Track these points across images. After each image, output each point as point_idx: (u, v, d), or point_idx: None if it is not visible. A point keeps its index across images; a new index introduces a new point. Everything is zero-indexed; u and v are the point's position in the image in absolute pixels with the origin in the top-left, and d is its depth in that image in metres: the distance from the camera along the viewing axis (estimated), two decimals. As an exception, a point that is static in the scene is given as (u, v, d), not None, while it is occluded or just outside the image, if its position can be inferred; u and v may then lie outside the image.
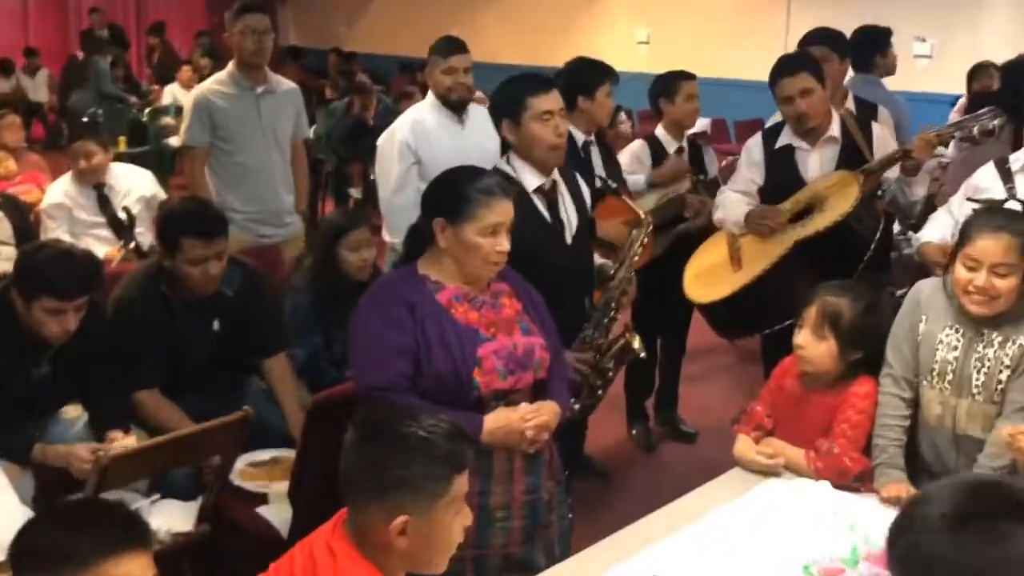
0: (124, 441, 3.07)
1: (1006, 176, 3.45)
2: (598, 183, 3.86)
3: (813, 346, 2.80)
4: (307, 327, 3.74)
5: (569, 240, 3.35)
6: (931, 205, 4.33)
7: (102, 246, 4.72)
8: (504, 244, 2.59)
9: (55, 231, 4.74)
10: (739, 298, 3.85)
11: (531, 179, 3.28)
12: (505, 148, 3.58)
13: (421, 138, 4.03)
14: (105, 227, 4.86)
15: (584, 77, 4.19)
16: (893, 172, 3.89)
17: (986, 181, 3.47)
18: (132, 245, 4.77)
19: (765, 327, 3.85)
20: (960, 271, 2.64)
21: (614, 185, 3.66)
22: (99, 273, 3.21)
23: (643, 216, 3.53)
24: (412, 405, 2.37)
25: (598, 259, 3.63)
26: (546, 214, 3.30)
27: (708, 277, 4.06)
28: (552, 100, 3.24)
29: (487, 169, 2.88)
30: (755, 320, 3.90)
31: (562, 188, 3.36)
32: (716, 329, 4.18)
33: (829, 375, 2.83)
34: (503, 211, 2.58)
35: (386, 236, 4.13)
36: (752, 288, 3.81)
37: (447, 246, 2.59)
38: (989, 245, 2.59)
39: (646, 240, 3.52)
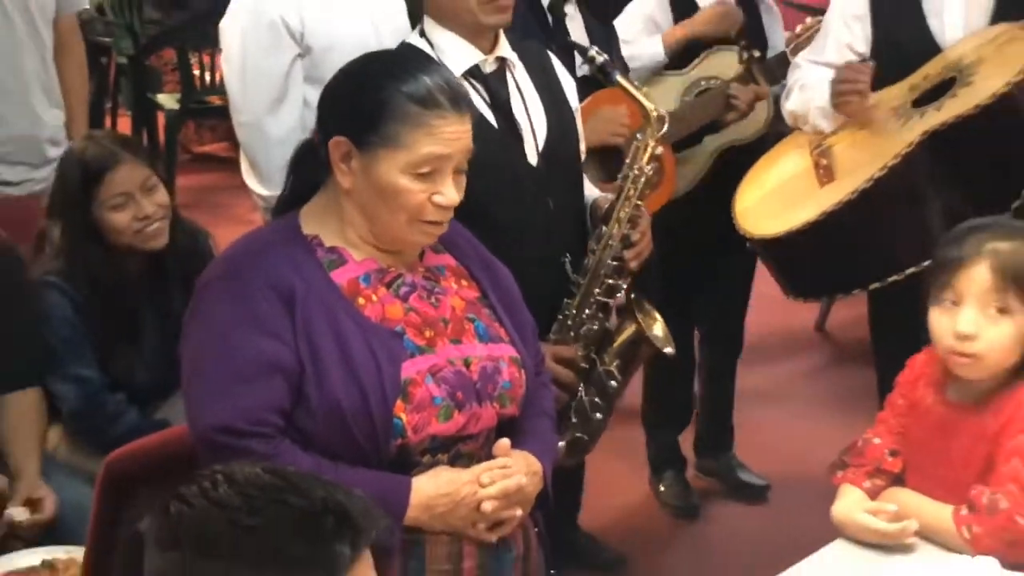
0: None
1: None
2: (582, 66, 3.83)
3: (990, 330, 2.77)
4: (72, 349, 3.70)
5: (533, 157, 3.36)
6: None
7: None
8: (448, 193, 2.55)
9: None
10: (830, 228, 3.86)
11: (459, 55, 3.28)
12: (415, 17, 3.57)
13: (307, 11, 3.89)
14: None
15: None
16: None
17: None
18: None
19: (875, 276, 3.87)
20: None
21: (600, 59, 3.59)
22: None
23: (651, 111, 3.49)
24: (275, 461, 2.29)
25: (593, 190, 3.62)
26: (488, 114, 3.29)
27: (777, 200, 4.11)
28: None
29: (433, 60, 2.85)
30: (858, 265, 3.93)
31: (517, 70, 3.37)
32: (791, 287, 4.17)
33: (995, 379, 2.83)
34: (451, 136, 2.53)
35: (254, 185, 4.03)
36: (852, 209, 3.82)
37: (351, 186, 2.55)
38: None
39: (659, 152, 3.48)
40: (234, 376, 2.50)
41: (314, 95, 3.77)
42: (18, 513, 3.41)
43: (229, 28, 3.95)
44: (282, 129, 3.88)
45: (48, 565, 3.36)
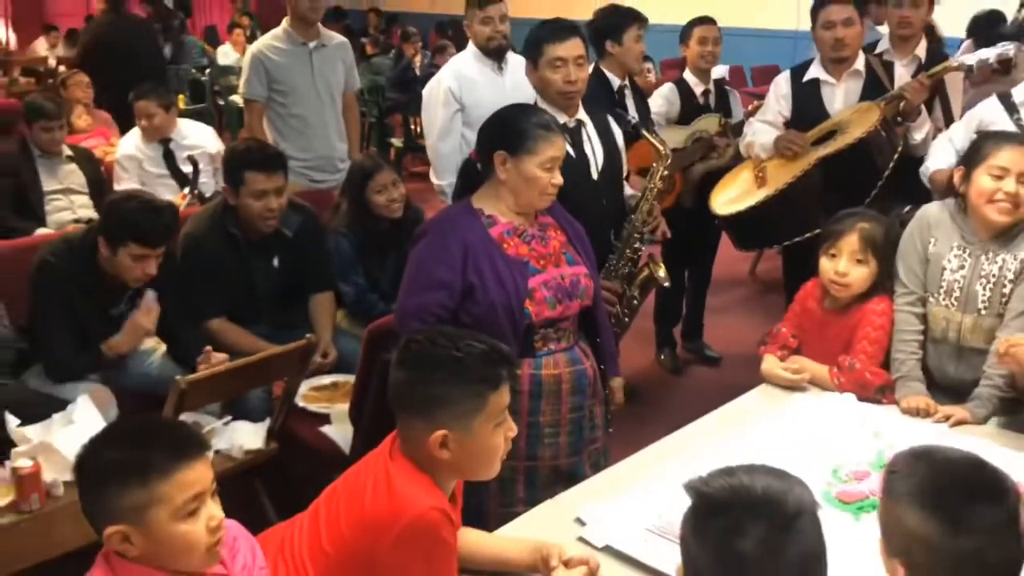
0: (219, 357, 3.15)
1: (1011, 109, 3.41)
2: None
3: (855, 271, 2.77)
4: (351, 268, 3.73)
5: (595, 175, 3.29)
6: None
7: (168, 194, 4.77)
8: (558, 178, 2.55)
9: (127, 181, 4.85)
10: (763, 210, 3.81)
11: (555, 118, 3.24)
12: None
13: (465, 86, 3.98)
14: (170, 178, 4.91)
15: (611, 22, 4.17)
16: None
17: (991, 115, 3.43)
18: (195, 192, 4.79)
19: (787, 237, 3.84)
20: (984, 182, 2.62)
21: (634, 121, 3.61)
22: (178, 223, 3.29)
23: (662, 150, 3.48)
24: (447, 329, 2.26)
25: (630, 191, 3.56)
26: (570, 150, 3.24)
27: (734, 195, 4.02)
28: (566, 48, 3.16)
29: (541, 108, 2.83)
30: (778, 231, 3.88)
31: (588, 127, 3.31)
32: (739, 243, 4.13)
33: (852, 298, 2.81)
34: (559, 146, 2.54)
35: (433, 179, 4.11)
36: (775, 200, 3.78)
37: (507, 178, 2.53)
38: (1016, 155, 2.60)
39: (666, 173, 3.44)
40: (419, 287, 2.51)
41: (467, 132, 3.87)
42: (317, 360, 3.44)
43: (425, 92, 4.14)
44: (447, 148, 3.99)
45: (335, 383, 3.45)
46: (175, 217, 3.27)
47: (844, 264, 2.77)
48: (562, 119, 3.23)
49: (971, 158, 2.70)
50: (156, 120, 4.86)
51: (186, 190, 4.81)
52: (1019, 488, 1.41)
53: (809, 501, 1.27)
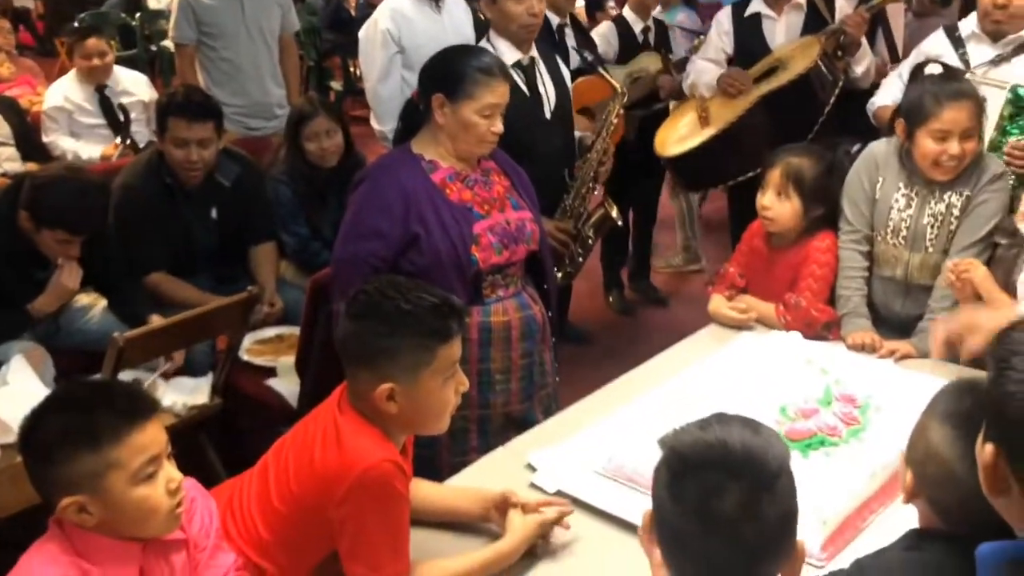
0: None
1: (956, 43, 3.41)
2: (575, 62, 3.76)
3: (778, 206, 2.78)
4: (292, 216, 3.65)
5: (548, 114, 3.27)
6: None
7: (101, 144, 4.65)
8: (498, 126, 2.49)
9: (56, 132, 4.68)
10: (707, 149, 3.83)
11: (509, 54, 3.20)
12: (479, 35, 3.48)
13: (403, 26, 3.88)
14: (104, 127, 4.75)
15: None
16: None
17: (937, 49, 3.43)
18: (128, 142, 4.66)
19: (731, 177, 3.86)
20: (928, 144, 2.61)
21: (590, 58, 3.58)
22: (108, 205, 3.13)
23: (618, 88, 3.45)
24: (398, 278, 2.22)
25: (579, 132, 3.55)
26: (524, 88, 3.21)
27: (678, 136, 4.02)
28: None
29: (486, 49, 2.76)
30: (722, 170, 3.89)
31: (540, 65, 3.27)
32: (685, 184, 4.15)
33: (792, 233, 2.82)
34: (501, 93, 2.47)
35: (374, 124, 4.02)
36: (719, 139, 3.80)
37: (444, 122, 2.48)
38: (957, 115, 2.58)
39: (620, 112, 3.43)
40: (355, 235, 2.47)
41: (408, 75, 3.77)
42: (263, 310, 3.40)
43: (361, 34, 3.96)
44: (387, 92, 3.84)
45: (279, 336, 3.40)
46: (106, 199, 3.11)
47: (768, 198, 2.79)
48: (516, 56, 3.20)
49: (912, 115, 2.65)
50: (108, 59, 4.69)
51: (117, 139, 4.67)
52: None
53: (786, 457, 1.24)
